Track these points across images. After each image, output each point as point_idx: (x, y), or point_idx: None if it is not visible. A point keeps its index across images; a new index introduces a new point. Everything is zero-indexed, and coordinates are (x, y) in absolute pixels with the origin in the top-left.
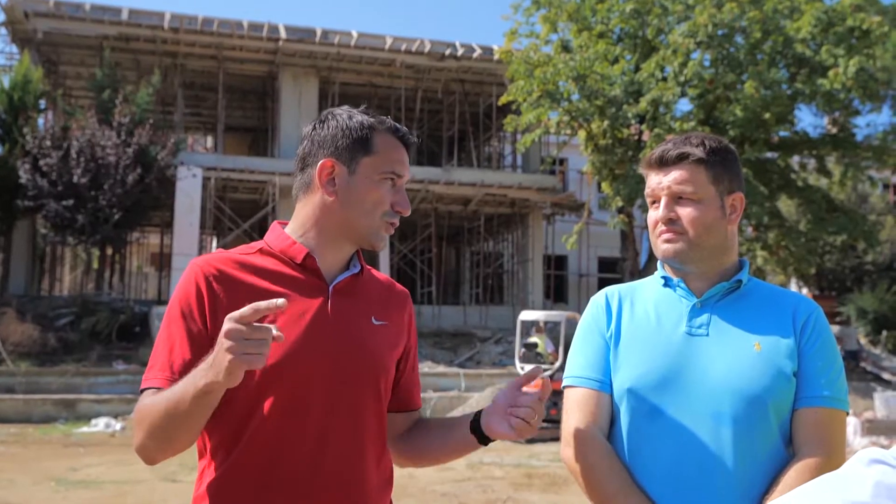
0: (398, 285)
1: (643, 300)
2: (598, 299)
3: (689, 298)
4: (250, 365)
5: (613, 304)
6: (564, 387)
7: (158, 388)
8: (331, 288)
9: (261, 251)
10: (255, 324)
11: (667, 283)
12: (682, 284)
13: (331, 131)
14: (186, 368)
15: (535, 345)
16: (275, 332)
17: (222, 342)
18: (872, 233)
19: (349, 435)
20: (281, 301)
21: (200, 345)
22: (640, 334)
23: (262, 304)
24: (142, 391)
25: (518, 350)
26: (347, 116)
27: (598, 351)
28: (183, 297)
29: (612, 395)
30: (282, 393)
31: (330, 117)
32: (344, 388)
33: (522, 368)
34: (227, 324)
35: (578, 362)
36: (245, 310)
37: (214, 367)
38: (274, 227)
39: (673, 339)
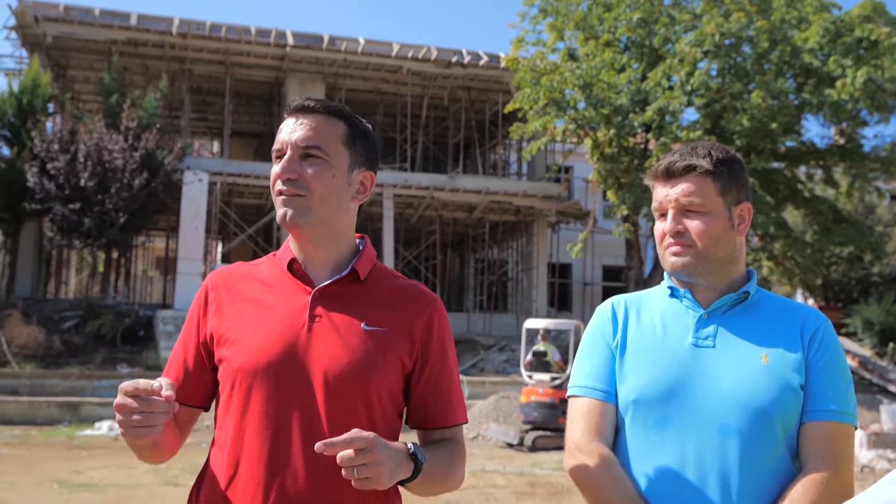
0: (423, 290)
1: (649, 310)
2: (603, 309)
3: (695, 309)
4: (140, 437)
5: (619, 314)
6: (569, 396)
7: None
8: (314, 292)
9: (269, 259)
10: (143, 396)
11: (673, 293)
12: (689, 295)
13: None
14: (187, 379)
15: (545, 353)
16: (165, 391)
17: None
18: (879, 244)
19: (310, 448)
20: (161, 388)
21: (195, 354)
22: (647, 345)
23: (142, 383)
24: None
25: (524, 358)
26: None
27: (604, 361)
28: (192, 308)
29: (617, 406)
30: (255, 399)
31: None
32: (317, 396)
33: (530, 377)
34: (118, 397)
35: (584, 372)
36: (128, 384)
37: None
38: (288, 237)
39: (679, 350)
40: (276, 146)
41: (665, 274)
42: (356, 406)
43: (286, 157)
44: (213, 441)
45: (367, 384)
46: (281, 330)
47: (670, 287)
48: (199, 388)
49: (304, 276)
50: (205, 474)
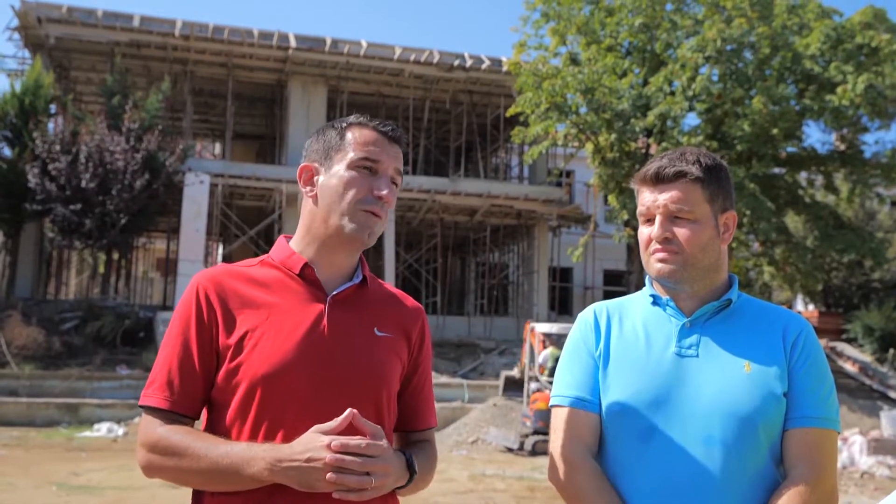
0: (411, 300)
1: (632, 318)
2: (586, 316)
3: (678, 318)
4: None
5: (602, 322)
6: (552, 405)
7: (159, 409)
8: (329, 298)
9: (262, 263)
10: (358, 455)
11: (655, 301)
12: (672, 304)
13: (316, 139)
14: (185, 388)
15: (557, 357)
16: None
17: (313, 461)
18: (880, 250)
19: None
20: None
21: (201, 361)
22: (630, 354)
23: (354, 441)
24: (142, 406)
25: (536, 362)
26: (331, 123)
27: (587, 370)
28: (184, 312)
29: (600, 416)
30: (273, 405)
31: (321, 128)
32: (339, 400)
33: (550, 382)
34: (324, 452)
35: (566, 381)
36: (342, 441)
37: (281, 473)
38: (279, 240)
39: (663, 360)
40: (365, 156)
41: (647, 280)
42: (380, 410)
43: (382, 176)
44: None
45: (383, 387)
46: (302, 335)
47: (652, 295)
48: (200, 396)
49: (315, 282)
50: None
